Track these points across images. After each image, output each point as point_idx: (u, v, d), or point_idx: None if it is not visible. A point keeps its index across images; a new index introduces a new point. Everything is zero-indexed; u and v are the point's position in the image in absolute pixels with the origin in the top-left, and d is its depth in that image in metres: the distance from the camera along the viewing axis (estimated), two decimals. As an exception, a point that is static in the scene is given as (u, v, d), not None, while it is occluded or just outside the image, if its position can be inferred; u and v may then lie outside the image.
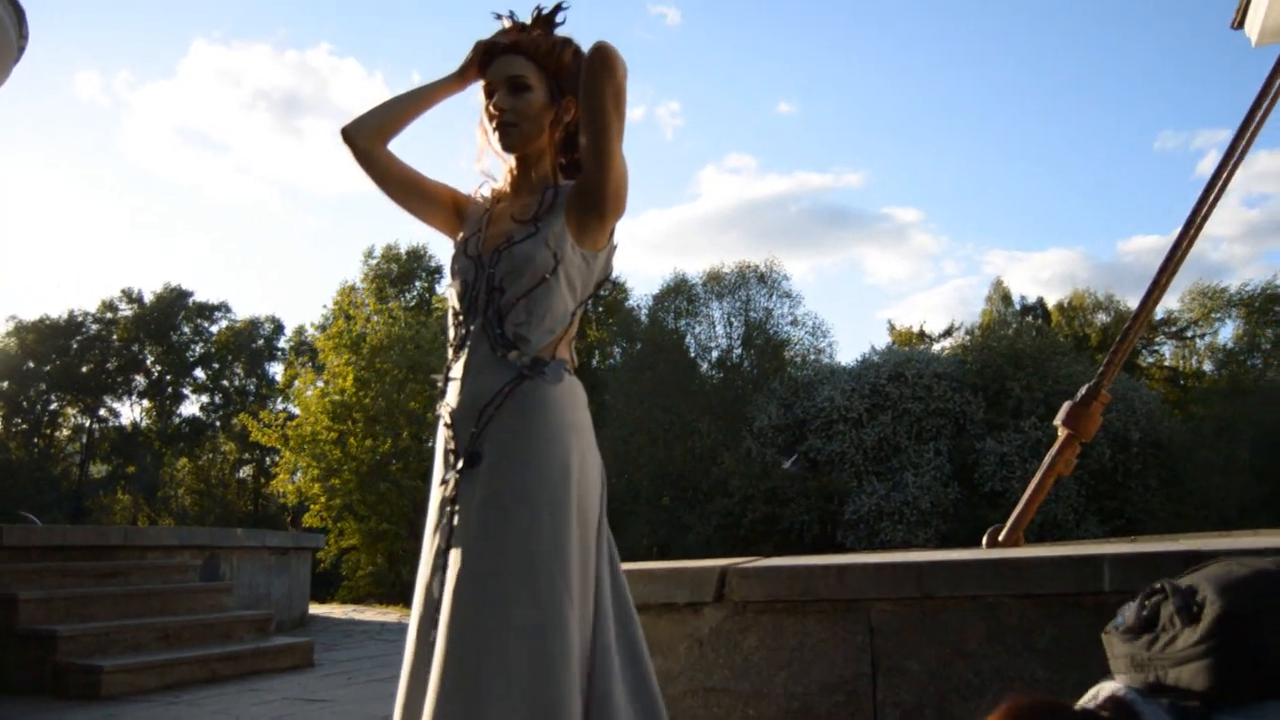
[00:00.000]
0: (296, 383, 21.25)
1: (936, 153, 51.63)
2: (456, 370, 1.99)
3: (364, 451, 18.94)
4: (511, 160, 2.11)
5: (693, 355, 27.28)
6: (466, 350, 1.98)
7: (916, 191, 53.48)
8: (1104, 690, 1.51)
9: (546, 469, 1.85)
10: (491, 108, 2.05)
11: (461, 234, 2.13)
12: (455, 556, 1.83)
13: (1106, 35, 48.92)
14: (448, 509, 1.90)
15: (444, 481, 1.95)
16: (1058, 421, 3.69)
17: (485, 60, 2.09)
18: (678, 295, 27.43)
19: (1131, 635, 1.51)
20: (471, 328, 1.98)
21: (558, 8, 2.10)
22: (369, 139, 2.08)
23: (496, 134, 2.06)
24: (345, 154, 2.09)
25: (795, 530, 21.94)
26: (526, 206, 2.04)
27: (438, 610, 1.82)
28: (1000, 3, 48.10)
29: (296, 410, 20.48)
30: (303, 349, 32.48)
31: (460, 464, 1.90)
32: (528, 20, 2.11)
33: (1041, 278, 53.64)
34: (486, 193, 2.19)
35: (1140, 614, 1.51)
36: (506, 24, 2.12)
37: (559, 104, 2.08)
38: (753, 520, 22.10)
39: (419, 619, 1.89)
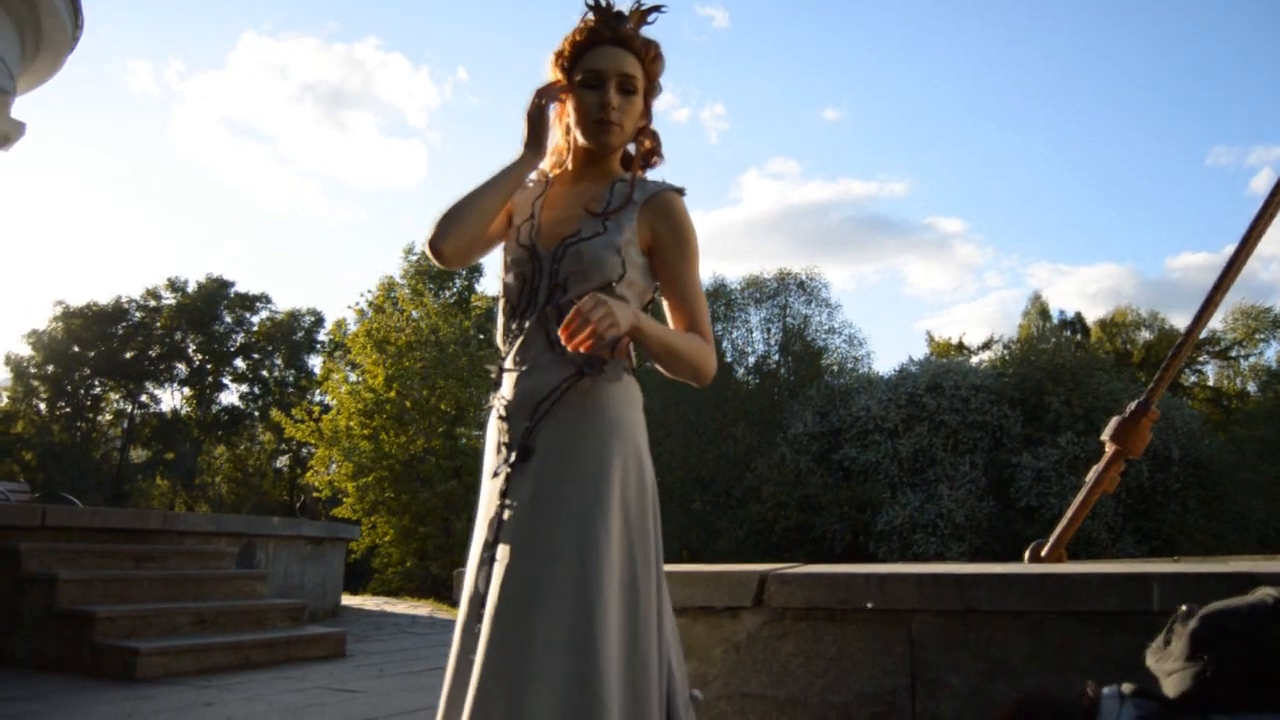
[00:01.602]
0: (333, 376, 21.37)
1: (983, 164, 51.28)
2: (511, 362, 1.96)
3: (397, 449, 19.01)
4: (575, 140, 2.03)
5: (729, 360, 27.20)
6: (522, 342, 1.94)
7: (962, 202, 53.10)
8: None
9: (598, 470, 1.83)
10: (610, 101, 1.95)
11: (514, 222, 2.06)
12: (503, 553, 1.82)
13: (1160, 49, 48.31)
14: (499, 503, 1.88)
15: (496, 474, 1.93)
16: (1105, 436, 3.61)
17: (587, 43, 1.98)
18: (716, 299, 27.37)
19: (1155, 650, 1.77)
20: (528, 320, 1.94)
21: (656, 7, 2.04)
22: (465, 255, 2.00)
23: (596, 128, 1.97)
24: (435, 263, 2.00)
25: (827, 539, 21.80)
26: (594, 197, 1.99)
27: (483, 605, 1.81)
28: (1051, 16, 47.62)
29: (332, 403, 20.60)
30: (340, 344, 32.76)
31: (513, 458, 1.88)
32: (620, 11, 2.01)
33: (1088, 292, 53.00)
34: (533, 175, 2.11)
35: (1165, 632, 1.76)
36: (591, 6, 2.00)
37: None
38: (785, 528, 21.99)
39: (465, 612, 1.88)
